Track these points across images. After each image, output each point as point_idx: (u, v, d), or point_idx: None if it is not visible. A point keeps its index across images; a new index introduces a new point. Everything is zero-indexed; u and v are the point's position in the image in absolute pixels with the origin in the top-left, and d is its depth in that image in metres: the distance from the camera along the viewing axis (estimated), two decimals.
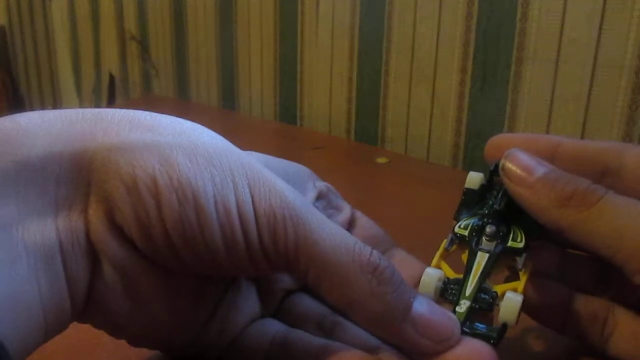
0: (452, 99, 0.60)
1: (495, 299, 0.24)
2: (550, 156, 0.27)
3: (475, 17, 0.56)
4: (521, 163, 0.26)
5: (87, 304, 0.22)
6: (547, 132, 0.54)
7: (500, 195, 0.27)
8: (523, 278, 0.25)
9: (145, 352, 0.29)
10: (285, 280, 0.28)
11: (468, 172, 0.29)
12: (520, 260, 0.26)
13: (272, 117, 0.77)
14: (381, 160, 0.61)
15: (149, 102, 0.87)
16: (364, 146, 0.67)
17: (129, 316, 0.23)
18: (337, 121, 0.70)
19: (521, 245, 0.26)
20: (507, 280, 0.27)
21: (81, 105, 1.08)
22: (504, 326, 0.24)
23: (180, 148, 0.22)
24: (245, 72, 0.78)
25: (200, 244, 0.22)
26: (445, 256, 0.27)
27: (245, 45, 0.77)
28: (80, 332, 0.24)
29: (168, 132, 0.23)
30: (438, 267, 0.26)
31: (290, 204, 0.22)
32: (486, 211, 0.27)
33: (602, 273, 0.28)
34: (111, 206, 0.22)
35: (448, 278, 0.25)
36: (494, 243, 0.26)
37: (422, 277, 0.25)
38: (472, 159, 0.60)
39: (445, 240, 0.27)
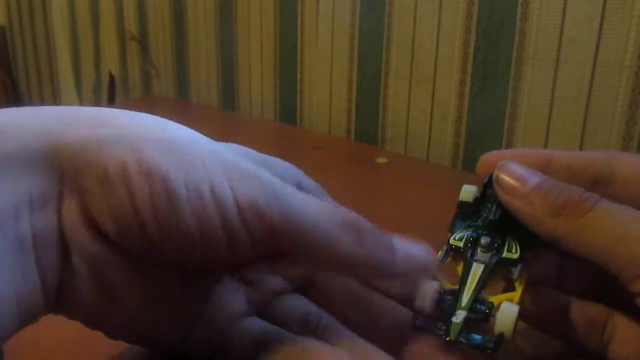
0: (452, 99, 0.60)
1: (491, 309, 0.24)
2: (543, 169, 0.27)
3: (475, 17, 0.56)
4: (514, 174, 0.26)
5: (58, 295, 0.23)
6: (547, 132, 0.54)
7: (494, 206, 0.27)
8: (519, 289, 0.25)
9: (144, 351, 0.29)
10: (274, 282, 0.28)
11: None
12: (515, 271, 0.26)
13: (272, 117, 0.77)
14: (381, 160, 0.61)
15: (149, 102, 0.87)
16: (364, 146, 0.67)
17: (102, 309, 0.23)
18: (337, 121, 0.70)
19: (516, 256, 0.26)
20: (504, 291, 0.27)
21: (81, 104, 1.08)
22: (501, 336, 0.24)
23: (149, 140, 0.23)
24: (245, 72, 0.78)
25: (174, 229, 0.22)
26: (440, 268, 0.27)
27: (245, 45, 0.77)
28: (78, 331, 0.24)
29: (136, 126, 0.23)
30: (434, 278, 0.26)
31: (269, 184, 0.23)
32: (481, 223, 0.27)
33: (599, 279, 0.28)
34: (83, 199, 0.22)
35: (444, 289, 0.25)
36: (489, 254, 0.26)
37: (419, 289, 0.25)
38: (472, 159, 0.60)
39: (440, 251, 0.27)
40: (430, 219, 0.32)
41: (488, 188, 0.27)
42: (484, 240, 0.26)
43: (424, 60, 0.61)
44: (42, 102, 1.16)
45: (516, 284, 0.26)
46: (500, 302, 0.24)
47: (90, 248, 0.22)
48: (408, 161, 0.63)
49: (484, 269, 0.25)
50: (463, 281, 0.25)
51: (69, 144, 0.22)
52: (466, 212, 0.28)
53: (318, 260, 0.24)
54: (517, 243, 0.26)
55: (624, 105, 0.50)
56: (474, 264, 0.26)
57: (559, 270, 0.28)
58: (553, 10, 0.52)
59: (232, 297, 0.27)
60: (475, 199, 0.28)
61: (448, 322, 0.24)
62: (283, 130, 0.73)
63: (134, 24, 0.92)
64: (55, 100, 1.13)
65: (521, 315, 0.24)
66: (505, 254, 0.26)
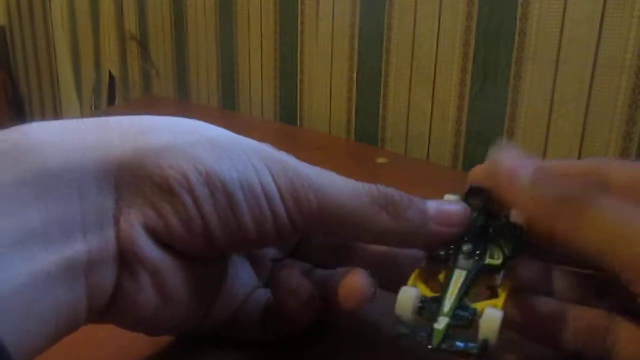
0: (452, 99, 0.60)
1: (474, 315, 0.24)
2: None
3: (475, 17, 0.56)
4: (508, 165, 0.25)
5: (109, 306, 0.23)
6: (547, 132, 0.54)
7: (476, 214, 0.27)
8: (502, 294, 0.25)
9: (145, 351, 0.29)
10: (272, 252, 0.30)
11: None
12: (498, 278, 0.25)
13: (272, 117, 0.77)
14: (381, 160, 0.61)
15: (149, 102, 0.87)
16: (364, 146, 0.67)
17: (156, 311, 0.24)
18: (337, 121, 0.70)
19: (499, 262, 0.25)
20: (489, 298, 0.26)
21: (81, 105, 1.08)
22: (485, 342, 0.23)
23: (198, 143, 0.23)
24: (245, 72, 0.78)
25: (233, 227, 0.23)
26: (422, 276, 0.26)
27: (245, 45, 0.77)
28: (80, 332, 0.24)
29: (180, 131, 0.24)
30: (414, 286, 0.25)
31: (304, 173, 0.24)
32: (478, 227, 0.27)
33: (595, 283, 0.27)
34: (146, 211, 0.22)
35: (425, 296, 0.25)
36: (471, 261, 0.26)
37: (399, 296, 0.24)
38: (472, 159, 0.60)
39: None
40: None
41: (469, 199, 0.27)
42: (465, 247, 0.26)
43: (424, 60, 0.61)
44: (42, 102, 1.16)
45: (499, 290, 0.25)
46: (484, 309, 0.24)
47: (155, 258, 0.23)
48: (408, 161, 0.63)
49: (467, 275, 0.25)
50: (445, 288, 0.25)
51: (120, 157, 0.22)
52: None
53: (355, 237, 0.26)
54: (501, 250, 0.26)
55: (624, 105, 0.50)
56: (456, 271, 0.25)
57: (549, 278, 0.27)
58: (553, 10, 0.52)
59: (244, 274, 0.28)
60: None
61: (430, 329, 0.23)
62: (283, 130, 0.73)
63: (134, 24, 0.92)
64: (55, 100, 1.13)
65: (514, 327, 0.24)
66: (488, 261, 0.26)
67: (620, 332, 0.25)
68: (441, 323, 0.23)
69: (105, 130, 0.23)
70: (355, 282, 0.26)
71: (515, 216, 0.26)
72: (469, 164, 0.60)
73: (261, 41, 0.75)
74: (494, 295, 0.25)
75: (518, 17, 0.54)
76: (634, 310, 0.24)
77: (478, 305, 0.24)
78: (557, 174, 0.26)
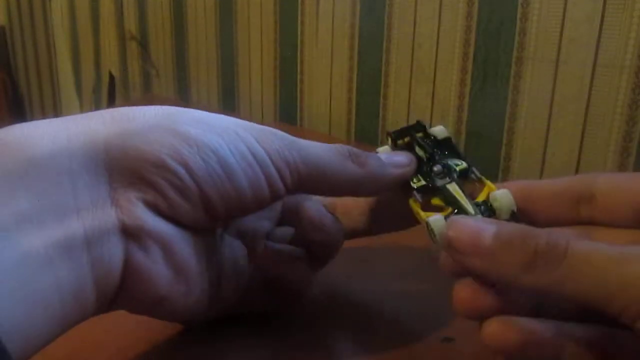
0: (452, 99, 0.60)
1: (489, 204, 0.27)
2: (525, 198, 0.27)
3: (475, 17, 0.56)
4: (466, 229, 0.23)
5: (121, 287, 0.23)
6: (547, 132, 0.54)
7: (421, 144, 0.31)
8: (487, 181, 0.29)
9: (146, 353, 0.29)
10: (264, 225, 0.31)
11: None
12: (476, 172, 0.30)
13: (272, 118, 0.77)
14: None
15: (149, 102, 0.86)
16: (364, 146, 0.67)
17: (170, 287, 0.25)
18: (337, 121, 0.70)
19: (465, 164, 0.30)
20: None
21: (81, 105, 1.08)
22: (513, 214, 0.27)
23: (183, 122, 0.25)
24: (245, 72, 0.78)
25: (231, 193, 0.25)
26: (423, 209, 0.29)
27: (245, 45, 0.77)
28: (82, 335, 0.24)
29: (162, 113, 0.26)
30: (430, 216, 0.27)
31: (285, 137, 0.27)
32: (425, 158, 0.31)
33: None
34: (141, 188, 0.23)
35: (446, 216, 0.27)
36: (447, 177, 0.30)
37: (432, 227, 0.26)
38: (472, 159, 0.60)
39: (411, 200, 0.29)
40: None
41: (398, 142, 0.31)
42: (436, 168, 0.30)
43: (424, 60, 0.61)
44: (42, 102, 1.16)
45: (483, 179, 0.29)
46: (489, 194, 0.28)
47: (161, 230, 0.24)
48: None
49: (457, 184, 0.29)
50: (453, 200, 0.28)
51: (107, 140, 0.23)
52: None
53: (334, 188, 0.29)
54: (456, 157, 0.31)
55: (624, 105, 0.50)
56: (447, 186, 0.29)
57: (541, 303, 0.25)
58: (553, 10, 0.52)
59: (240, 254, 0.29)
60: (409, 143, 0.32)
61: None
62: (283, 130, 0.73)
63: (134, 24, 0.92)
64: (55, 100, 1.13)
65: (515, 356, 0.24)
66: (458, 167, 0.30)
67: (623, 347, 0.24)
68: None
69: (88, 120, 0.24)
70: (313, 207, 0.30)
71: (435, 131, 0.31)
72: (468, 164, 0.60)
73: (261, 41, 0.75)
74: (482, 186, 0.29)
75: (518, 17, 0.54)
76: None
77: (480, 198, 0.28)
78: (544, 194, 0.27)
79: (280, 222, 0.32)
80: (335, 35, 0.67)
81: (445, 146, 0.31)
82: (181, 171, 0.23)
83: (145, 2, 0.89)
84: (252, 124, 0.27)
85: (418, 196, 0.29)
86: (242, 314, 0.31)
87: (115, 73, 0.99)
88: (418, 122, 0.32)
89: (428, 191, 0.29)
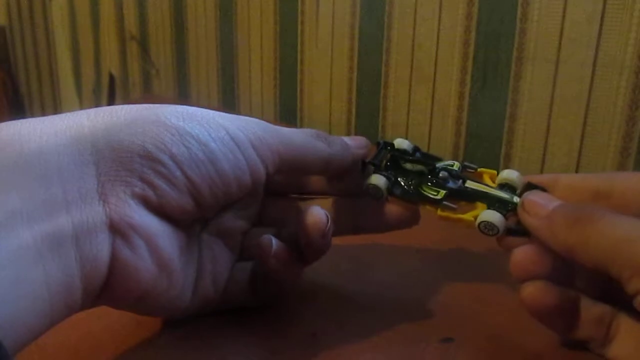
0: (452, 99, 0.60)
1: (504, 184, 0.31)
2: (550, 189, 0.31)
3: (475, 17, 0.56)
4: (539, 199, 0.29)
5: (107, 283, 0.23)
6: (547, 132, 0.54)
7: (409, 156, 0.33)
8: (481, 169, 0.33)
9: (146, 353, 0.29)
10: (240, 224, 0.32)
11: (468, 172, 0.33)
12: (470, 164, 0.33)
13: (272, 118, 0.77)
14: None
15: (149, 102, 0.86)
16: None
17: (154, 282, 0.25)
18: (337, 121, 0.70)
19: (456, 162, 0.33)
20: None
21: (81, 105, 1.08)
22: (529, 185, 0.31)
23: (164, 114, 0.26)
24: (245, 72, 0.78)
25: (216, 179, 0.26)
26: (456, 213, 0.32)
27: (245, 45, 0.77)
28: (81, 335, 0.24)
29: (144, 108, 0.26)
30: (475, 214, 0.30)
31: (262, 123, 0.29)
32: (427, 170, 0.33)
33: (605, 285, 0.29)
34: (129, 180, 0.24)
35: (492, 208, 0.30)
36: (456, 179, 0.32)
37: (491, 220, 0.29)
38: (472, 159, 0.60)
39: (439, 211, 0.31)
40: (430, 218, 0.33)
41: (379, 166, 0.33)
42: (442, 174, 0.32)
43: (424, 60, 0.61)
44: (42, 102, 1.16)
45: (478, 169, 0.33)
46: (496, 177, 0.32)
47: (148, 224, 0.24)
48: None
49: (472, 181, 0.32)
50: (483, 195, 0.31)
51: (93, 134, 0.24)
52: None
53: (307, 167, 0.31)
54: (440, 161, 0.33)
55: (624, 105, 0.50)
56: (468, 183, 0.32)
57: (573, 270, 0.30)
58: (553, 10, 0.52)
59: (221, 252, 0.30)
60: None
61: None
62: None
63: (134, 24, 0.92)
64: (55, 100, 1.13)
65: (536, 316, 0.28)
66: (455, 167, 0.33)
67: (621, 328, 0.28)
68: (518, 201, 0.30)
69: (74, 116, 0.25)
70: (315, 210, 0.30)
71: (403, 144, 0.34)
72: None
73: (261, 41, 0.75)
74: (479, 174, 0.33)
75: (518, 17, 0.54)
76: (634, 309, 0.26)
77: (489, 183, 0.32)
78: (566, 187, 0.31)
79: (257, 223, 0.33)
80: (335, 35, 0.67)
81: (422, 154, 0.34)
82: (166, 159, 0.24)
83: (145, 2, 0.89)
84: (233, 115, 0.28)
85: (451, 204, 0.31)
86: (245, 313, 0.31)
87: (115, 73, 0.99)
88: (384, 142, 0.34)
89: (453, 196, 0.31)
